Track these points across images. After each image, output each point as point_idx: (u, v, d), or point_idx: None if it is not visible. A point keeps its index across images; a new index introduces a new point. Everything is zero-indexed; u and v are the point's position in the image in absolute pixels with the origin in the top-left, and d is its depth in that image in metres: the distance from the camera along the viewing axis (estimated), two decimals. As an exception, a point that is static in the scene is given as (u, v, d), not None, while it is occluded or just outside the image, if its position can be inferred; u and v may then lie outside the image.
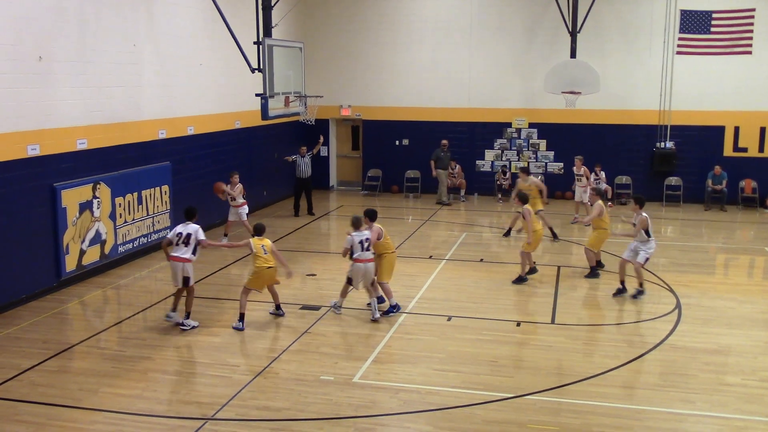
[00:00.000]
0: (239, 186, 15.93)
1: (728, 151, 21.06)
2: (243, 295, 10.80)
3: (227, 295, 12.35)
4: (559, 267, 14.27)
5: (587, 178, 18.20)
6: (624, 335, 10.72)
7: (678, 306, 11.85)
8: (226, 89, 17.98)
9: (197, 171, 16.87)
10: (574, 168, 18.46)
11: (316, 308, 11.61)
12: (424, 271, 13.74)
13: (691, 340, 10.42)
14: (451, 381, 9.03)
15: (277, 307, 11.21)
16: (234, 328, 10.67)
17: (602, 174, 19.91)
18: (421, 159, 22.52)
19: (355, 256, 10.94)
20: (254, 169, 19.49)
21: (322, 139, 20.75)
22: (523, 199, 13.61)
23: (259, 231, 11.06)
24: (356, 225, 11.07)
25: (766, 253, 15.89)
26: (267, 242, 10.83)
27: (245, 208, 16.09)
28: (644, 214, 12.17)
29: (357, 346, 10.10)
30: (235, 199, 15.88)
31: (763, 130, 20.84)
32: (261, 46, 14.80)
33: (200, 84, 16.90)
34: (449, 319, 11.14)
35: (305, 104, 16.93)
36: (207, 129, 17.26)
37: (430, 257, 14.92)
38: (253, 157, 19.49)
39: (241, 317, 10.72)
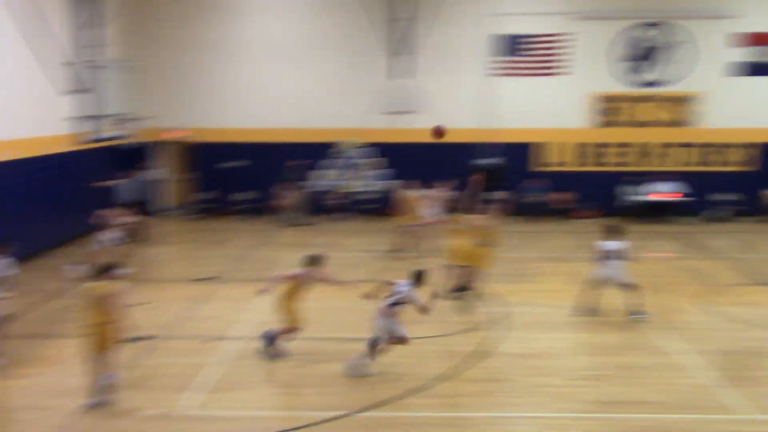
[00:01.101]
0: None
1: (539, 165, 22.79)
2: None
3: (44, 330, 11.57)
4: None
5: (432, 200, 18.42)
6: (445, 346, 11.05)
7: (500, 314, 12.53)
8: (33, 112, 16.21)
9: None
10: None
11: (145, 339, 11.06)
12: (250, 295, 12.85)
13: (510, 347, 11.04)
14: (280, 404, 9.03)
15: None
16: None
17: (440, 192, 20.54)
18: (257, 180, 22.34)
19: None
20: (63, 199, 17.90)
21: (151, 166, 19.94)
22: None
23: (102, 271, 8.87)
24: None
25: (571, 260, 16.90)
26: (103, 287, 8.69)
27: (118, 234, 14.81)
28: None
29: (182, 378, 9.74)
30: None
31: (571, 146, 22.73)
32: (76, 67, 14.10)
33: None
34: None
35: (127, 127, 16.31)
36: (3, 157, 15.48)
37: (257, 280, 14.66)
38: (66, 186, 18.08)
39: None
